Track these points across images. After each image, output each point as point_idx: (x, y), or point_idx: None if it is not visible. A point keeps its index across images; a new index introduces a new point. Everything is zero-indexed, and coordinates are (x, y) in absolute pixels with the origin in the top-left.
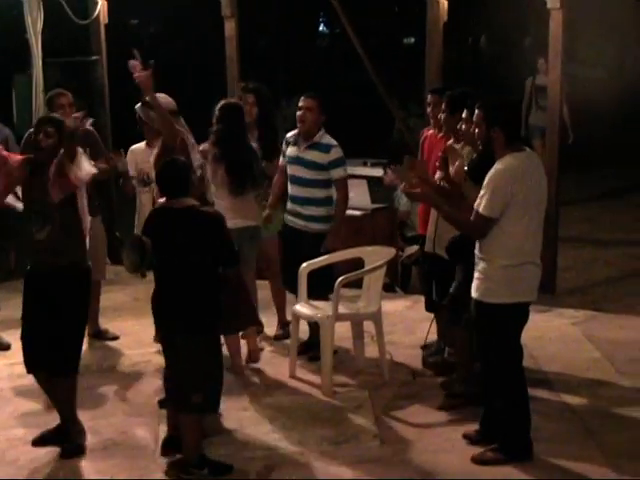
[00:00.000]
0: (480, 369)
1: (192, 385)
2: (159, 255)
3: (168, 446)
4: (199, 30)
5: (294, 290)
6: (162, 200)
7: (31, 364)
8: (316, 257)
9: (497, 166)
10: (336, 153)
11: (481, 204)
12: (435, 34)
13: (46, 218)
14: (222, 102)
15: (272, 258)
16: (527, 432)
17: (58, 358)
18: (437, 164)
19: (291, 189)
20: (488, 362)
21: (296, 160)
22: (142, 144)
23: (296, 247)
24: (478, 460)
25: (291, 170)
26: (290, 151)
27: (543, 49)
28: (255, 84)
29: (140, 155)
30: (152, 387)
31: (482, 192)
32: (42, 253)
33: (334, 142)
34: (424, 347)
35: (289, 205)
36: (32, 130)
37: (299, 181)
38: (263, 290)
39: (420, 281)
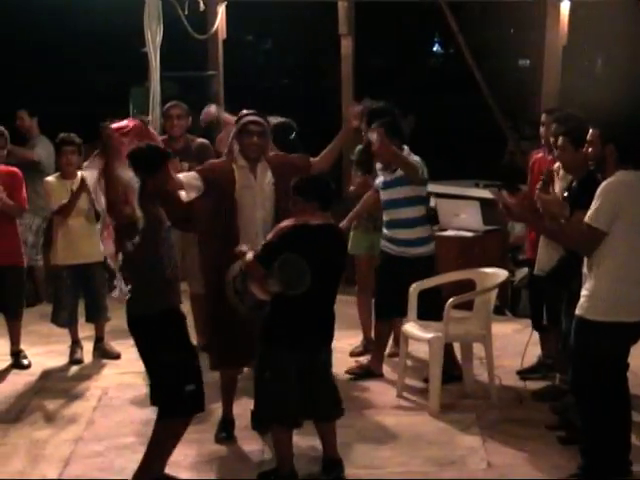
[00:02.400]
0: (571, 391)
1: (338, 394)
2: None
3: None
4: (314, 48)
5: (387, 319)
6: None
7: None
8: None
9: (608, 179)
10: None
11: (589, 215)
12: (553, 58)
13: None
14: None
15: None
16: (615, 460)
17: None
18: (537, 187)
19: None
20: (583, 383)
21: (387, 184)
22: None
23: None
24: None
25: (384, 195)
26: (380, 176)
27: None
28: (381, 103)
29: None
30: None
31: (592, 204)
32: (176, 289)
33: (417, 158)
34: (520, 372)
35: (385, 231)
36: None
37: (391, 204)
38: None
39: (529, 304)
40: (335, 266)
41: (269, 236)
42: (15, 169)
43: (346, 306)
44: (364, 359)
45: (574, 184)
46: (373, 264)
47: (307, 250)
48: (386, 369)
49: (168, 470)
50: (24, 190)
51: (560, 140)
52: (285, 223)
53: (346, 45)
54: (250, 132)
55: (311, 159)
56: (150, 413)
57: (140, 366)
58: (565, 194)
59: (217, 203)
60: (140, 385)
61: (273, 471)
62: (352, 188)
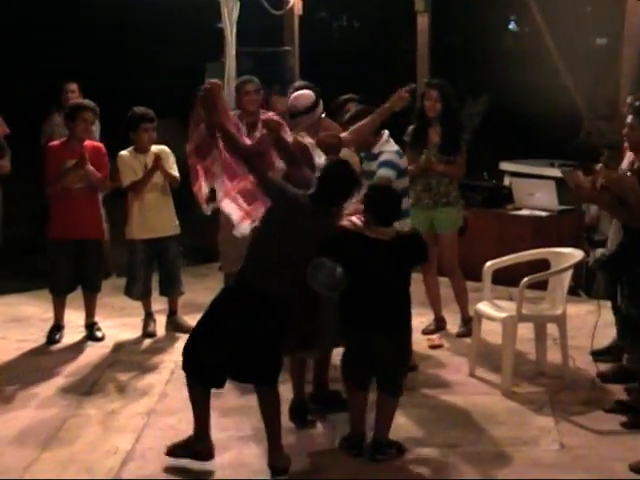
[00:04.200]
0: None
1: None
2: (356, 277)
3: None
4: (388, 24)
5: None
6: (355, 220)
7: (218, 377)
8: None
9: None
10: (383, 156)
11: None
12: (633, 36)
13: None
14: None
15: (449, 254)
16: None
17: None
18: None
19: None
20: None
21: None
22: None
23: None
24: (636, 469)
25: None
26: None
27: None
28: (439, 80)
29: None
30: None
31: None
32: None
33: (389, 148)
34: (593, 353)
35: None
36: None
37: None
38: (447, 287)
39: (605, 285)
40: (387, 274)
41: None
42: (101, 145)
43: (418, 285)
44: (436, 337)
45: (637, 165)
46: (434, 242)
47: (349, 255)
48: (458, 349)
49: (239, 444)
50: (108, 166)
51: (629, 118)
52: (345, 223)
53: (422, 22)
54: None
55: (342, 135)
56: (223, 388)
57: None
58: (628, 174)
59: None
60: None
61: (345, 437)
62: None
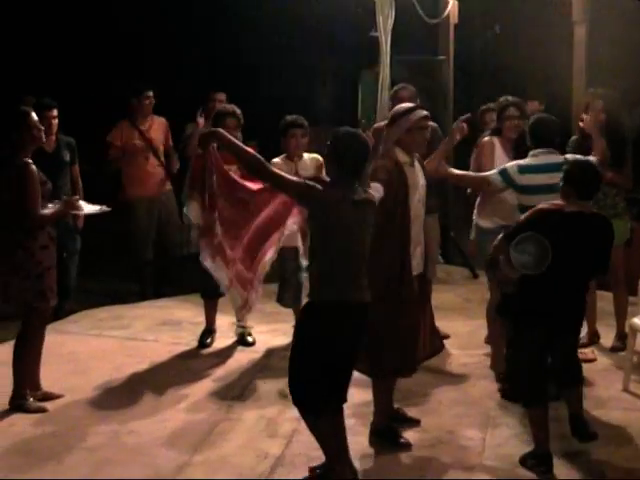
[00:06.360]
0: None
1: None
2: (555, 261)
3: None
4: (545, 34)
5: None
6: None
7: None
8: None
9: None
10: None
11: None
12: None
13: None
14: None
15: (616, 267)
16: None
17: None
18: None
19: None
20: None
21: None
22: None
23: None
24: None
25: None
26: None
27: None
28: (603, 90)
29: None
30: (481, 389)
31: None
32: None
33: None
34: None
35: None
36: None
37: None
38: (601, 300)
39: None
40: (586, 255)
41: (524, 215)
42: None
43: None
44: (589, 351)
45: None
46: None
47: (552, 235)
48: (610, 363)
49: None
50: None
51: None
52: (541, 205)
53: (579, 33)
54: (423, 127)
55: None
56: (369, 395)
57: None
58: None
59: (391, 206)
60: None
61: (529, 453)
62: None
